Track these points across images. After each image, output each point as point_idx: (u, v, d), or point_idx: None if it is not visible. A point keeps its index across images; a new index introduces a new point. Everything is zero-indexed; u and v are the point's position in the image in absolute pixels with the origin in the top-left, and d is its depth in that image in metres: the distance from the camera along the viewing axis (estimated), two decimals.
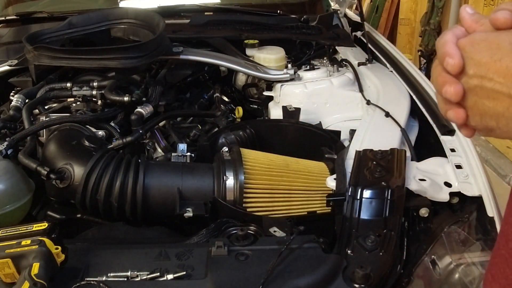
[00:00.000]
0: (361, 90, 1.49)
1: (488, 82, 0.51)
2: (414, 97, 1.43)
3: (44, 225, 0.83)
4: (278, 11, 2.03)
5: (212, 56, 1.58)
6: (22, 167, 1.16)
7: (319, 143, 1.30)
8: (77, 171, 1.11)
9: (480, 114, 0.53)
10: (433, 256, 0.91)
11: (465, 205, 1.02)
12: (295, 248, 0.88)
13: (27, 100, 1.42)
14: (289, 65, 1.62)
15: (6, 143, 1.19)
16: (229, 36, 1.75)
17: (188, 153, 1.26)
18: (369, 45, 1.75)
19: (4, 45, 1.80)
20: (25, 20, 1.97)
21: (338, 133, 1.33)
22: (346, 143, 1.27)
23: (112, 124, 1.33)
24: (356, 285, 0.83)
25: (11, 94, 1.53)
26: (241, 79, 1.77)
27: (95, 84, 1.43)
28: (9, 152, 1.18)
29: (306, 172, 1.16)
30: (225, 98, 1.71)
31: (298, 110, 1.41)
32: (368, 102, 1.40)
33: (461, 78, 0.53)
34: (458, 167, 1.08)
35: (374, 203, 0.97)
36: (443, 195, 1.01)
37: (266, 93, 1.58)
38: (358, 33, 1.96)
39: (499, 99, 0.50)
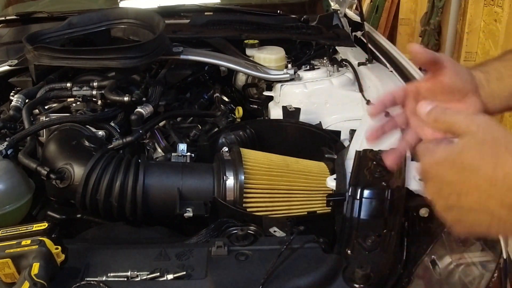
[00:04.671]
0: (361, 90, 1.48)
1: (465, 200, 0.53)
2: None
3: (44, 225, 0.83)
4: (278, 11, 2.02)
5: (212, 56, 1.58)
6: (22, 167, 1.16)
7: (319, 143, 1.30)
8: (77, 171, 1.11)
9: (469, 226, 0.54)
10: (433, 256, 0.91)
11: None
12: (295, 248, 0.88)
13: (27, 100, 1.42)
14: (289, 65, 1.61)
15: (6, 143, 1.19)
16: (229, 36, 1.74)
17: (188, 153, 1.26)
18: (369, 45, 1.75)
19: (4, 45, 1.79)
20: (25, 20, 1.97)
21: (338, 133, 1.33)
22: (346, 143, 1.27)
23: (112, 124, 1.33)
24: (356, 285, 0.83)
25: (11, 94, 1.53)
26: (241, 79, 1.77)
27: (95, 84, 1.43)
28: (9, 152, 1.18)
29: (306, 172, 1.16)
30: (225, 98, 1.71)
31: (298, 110, 1.41)
32: (368, 102, 1.40)
33: (438, 200, 0.56)
34: None
35: (374, 203, 0.97)
36: None
37: (266, 93, 1.58)
38: (358, 33, 1.96)
39: (481, 213, 0.52)
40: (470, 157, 0.51)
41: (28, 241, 0.80)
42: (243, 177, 1.10)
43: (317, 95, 1.48)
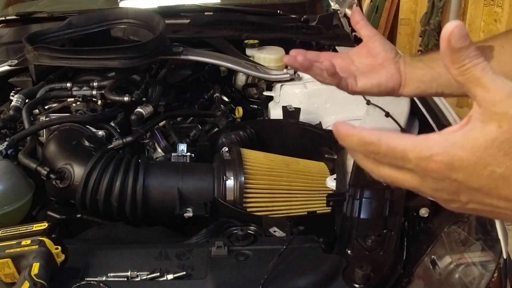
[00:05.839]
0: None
1: (488, 207, 0.46)
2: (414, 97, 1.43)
3: (44, 225, 0.83)
4: (278, 11, 2.02)
5: (212, 56, 1.58)
6: (22, 167, 1.16)
7: (319, 143, 1.30)
8: (77, 171, 1.11)
9: (488, 215, 0.49)
10: (433, 256, 0.91)
11: None
12: (295, 248, 0.88)
13: (27, 100, 1.42)
14: None
15: (6, 143, 1.19)
16: (229, 36, 1.74)
17: (188, 153, 1.26)
18: None
19: (4, 45, 1.79)
20: (25, 20, 1.97)
21: None
22: None
23: (112, 124, 1.33)
24: (356, 285, 0.83)
25: (11, 94, 1.52)
26: (241, 79, 1.77)
27: (95, 84, 1.43)
28: (9, 152, 1.18)
29: (306, 172, 1.16)
30: (225, 98, 1.71)
31: (298, 110, 1.41)
32: (368, 102, 1.40)
33: (450, 204, 0.48)
34: None
35: (374, 203, 0.97)
36: None
37: (266, 93, 1.58)
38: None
39: (505, 217, 0.47)
40: (498, 163, 0.42)
41: (28, 241, 0.80)
42: (243, 177, 1.10)
43: (317, 95, 1.48)
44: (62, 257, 0.82)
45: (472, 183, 0.44)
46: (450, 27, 0.42)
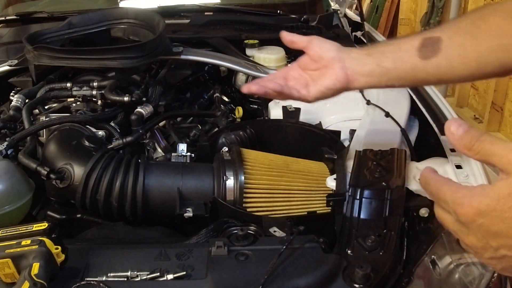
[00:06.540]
0: (361, 90, 1.48)
1: None
2: (414, 97, 1.43)
3: (44, 225, 0.83)
4: (278, 11, 2.02)
5: (212, 56, 1.58)
6: (22, 167, 1.16)
7: (319, 143, 1.30)
8: (77, 171, 1.11)
9: None
10: (433, 256, 0.91)
11: None
12: (295, 248, 0.88)
13: (27, 100, 1.42)
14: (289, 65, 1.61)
15: (6, 143, 1.19)
16: (229, 36, 1.74)
17: (188, 153, 1.26)
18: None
19: (4, 45, 1.79)
20: (25, 20, 1.97)
21: (338, 133, 1.33)
22: (346, 143, 1.27)
23: (112, 124, 1.33)
24: (356, 285, 0.83)
25: (11, 94, 1.52)
26: (241, 79, 1.77)
27: (95, 84, 1.43)
28: (9, 152, 1.18)
29: (306, 172, 1.16)
30: (225, 98, 1.71)
31: (298, 110, 1.41)
32: (368, 102, 1.40)
33: (484, 252, 0.51)
34: (458, 167, 1.07)
35: (374, 203, 0.97)
36: None
37: None
38: (358, 33, 1.96)
39: None
40: None
41: (28, 241, 0.80)
42: (243, 177, 1.10)
43: None
44: (62, 257, 0.82)
45: (498, 227, 0.48)
46: (449, 123, 0.52)
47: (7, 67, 1.59)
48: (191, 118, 1.56)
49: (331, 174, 1.11)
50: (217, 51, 1.64)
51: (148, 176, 1.12)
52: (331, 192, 1.06)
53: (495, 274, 0.88)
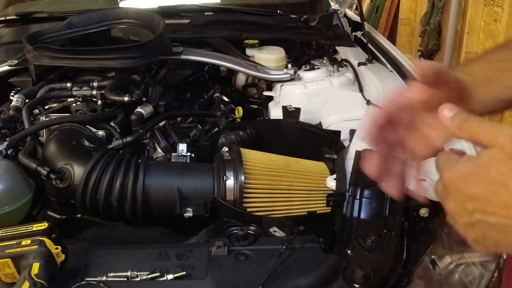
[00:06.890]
0: (361, 90, 1.48)
1: (491, 217, 0.49)
2: None
3: (44, 225, 0.83)
4: (278, 11, 2.02)
5: (212, 56, 1.58)
6: (22, 167, 1.16)
7: (319, 143, 1.30)
8: (77, 171, 1.11)
9: (493, 245, 0.51)
10: (433, 256, 0.91)
11: None
12: (295, 248, 0.88)
13: (27, 100, 1.42)
14: (289, 65, 1.61)
15: (6, 143, 1.19)
16: (229, 36, 1.74)
17: (188, 153, 1.26)
18: (369, 45, 1.75)
19: (4, 45, 1.79)
20: (25, 20, 1.97)
21: (338, 133, 1.33)
22: (346, 143, 1.27)
23: (112, 124, 1.33)
24: (356, 285, 0.83)
25: (11, 94, 1.52)
26: (241, 79, 1.77)
27: (95, 84, 1.43)
28: (9, 152, 1.18)
29: (306, 172, 1.16)
30: (225, 98, 1.71)
31: (298, 110, 1.41)
32: (368, 102, 1.40)
33: (460, 217, 0.53)
34: None
35: (374, 203, 0.97)
36: None
37: (266, 93, 1.58)
38: (358, 33, 1.96)
39: (508, 231, 0.49)
40: (498, 171, 0.48)
41: (28, 241, 0.80)
42: (243, 177, 1.10)
43: (317, 95, 1.48)
44: (62, 257, 0.82)
45: (474, 190, 0.50)
46: (442, 107, 0.56)
47: (7, 67, 1.58)
48: (191, 118, 1.56)
49: (331, 174, 1.11)
50: (217, 51, 1.64)
51: (148, 176, 1.12)
52: (331, 192, 1.06)
53: (495, 274, 0.88)
